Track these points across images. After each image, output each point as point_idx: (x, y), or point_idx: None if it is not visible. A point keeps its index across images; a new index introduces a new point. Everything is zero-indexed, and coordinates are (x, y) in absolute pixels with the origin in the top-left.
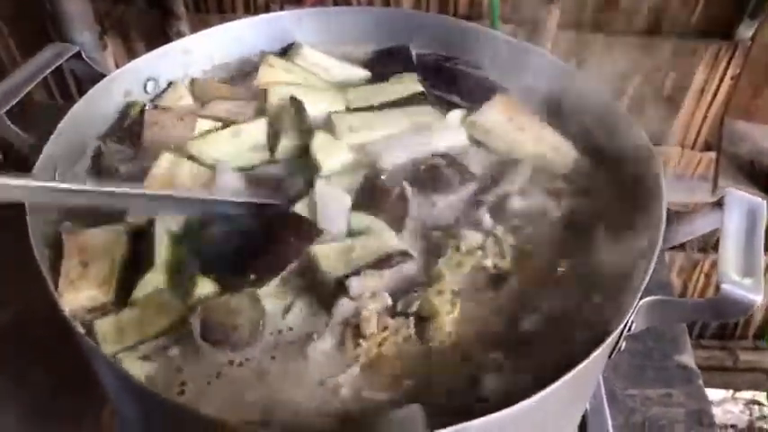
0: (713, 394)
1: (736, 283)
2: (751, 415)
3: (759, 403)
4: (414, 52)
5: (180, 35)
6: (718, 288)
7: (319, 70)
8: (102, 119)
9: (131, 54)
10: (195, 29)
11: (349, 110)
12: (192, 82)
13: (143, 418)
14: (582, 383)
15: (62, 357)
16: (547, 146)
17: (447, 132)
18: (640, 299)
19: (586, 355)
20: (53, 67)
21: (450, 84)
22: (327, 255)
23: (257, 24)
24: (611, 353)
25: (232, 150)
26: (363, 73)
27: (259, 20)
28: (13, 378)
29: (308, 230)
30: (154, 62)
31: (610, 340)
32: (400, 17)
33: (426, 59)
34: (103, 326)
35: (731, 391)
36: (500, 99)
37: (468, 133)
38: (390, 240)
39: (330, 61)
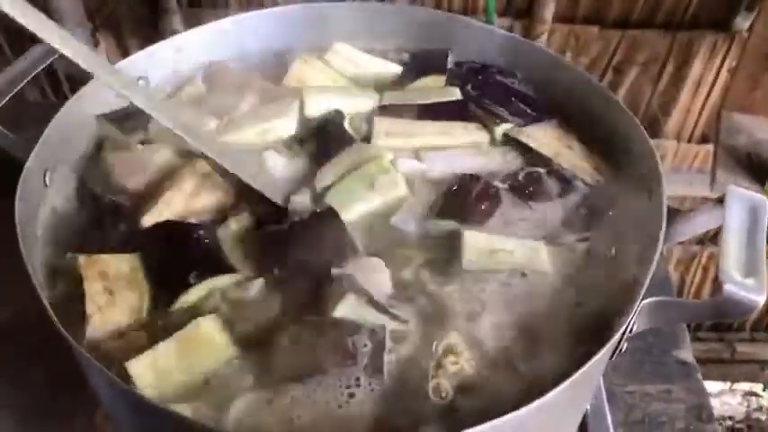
0: (711, 386)
1: (739, 284)
2: (748, 406)
3: (756, 394)
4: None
5: (173, 32)
6: (716, 281)
7: (351, 66)
8: (95, 118)
9: (124, 51)
10: (189, 24)
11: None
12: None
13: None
14: (583, 386)
15: (59, 358)
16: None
17: (496, 153)
18: (641, 300)
19: (588, 358)
20: (42, 67)
21: (496, 96)
22: None
23: (249, 20)
24: (613, 354)
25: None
26: (396, 68)
27: (251, 16)
28: (10, 379)
29: None
30: (144, 61)
31: (611, 343)
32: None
33: (469, 68)
34: (139, 367)
35: (729, 383)
36: (550, 124)
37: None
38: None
39: (363, 56)
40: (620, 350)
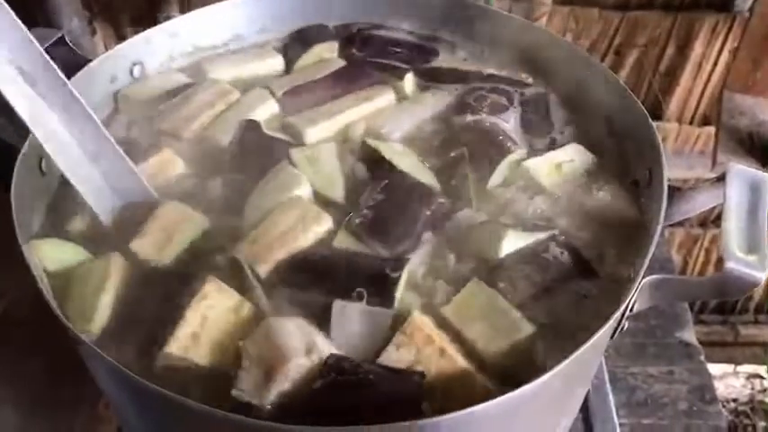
0: (715, 369)
1: (741, 260)
2: (752, 389)
3: (760, 377)
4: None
5: (169, 19)
6: (718, 264)
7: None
8: (88, 103)
9: (121, 40)
10: (185, 12)
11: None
12: None
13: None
14: (585, 365)
15: (59, 347)
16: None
17: (427, 97)
18: (642, 278)
19: (589, 336)
20: None
21: (384, 50)
22: None
23: (244, 5)
24: (614, 333)
25: None
26: (278, 60)
27: (246, 1)
28: (10, 372)
29: None
30: (139, 46)
31: (612, 321)
32: None
33: (350, 30)
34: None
35: (732, 366)
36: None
37: None
38: None
39: (243, 64)
40: (622, 329)
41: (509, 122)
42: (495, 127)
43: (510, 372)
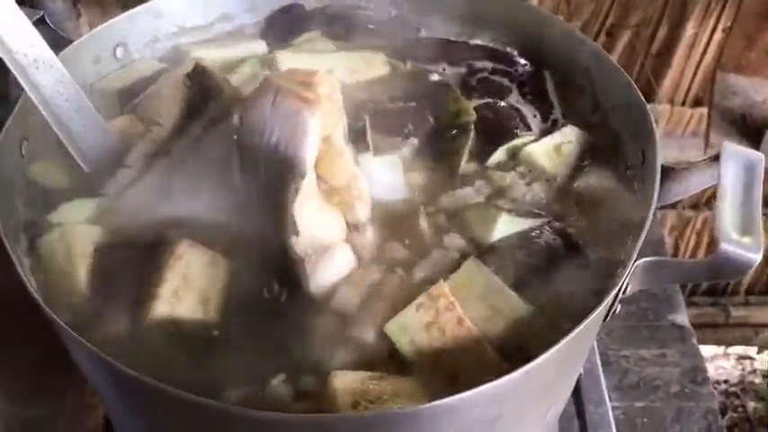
0: (705, 351)
1: (735, 242)
2: (743, 370)
3: (750, 358)
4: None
5: None
6: (710, 246)
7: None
8: None
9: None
10: None
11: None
12: None
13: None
14: (577, 349)
15: (45, 336)
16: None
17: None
18: (635, 260)
19: (581, 320)
20: None
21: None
22: None
23: None
24: (606, 316)
25: None
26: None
27: None
28: None
29: None
30: (122, 26)
31: (605, 304)
32: None
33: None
34: None
35: (723, 348)
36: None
37: None
38: None
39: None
40: (614, 311)
41: (516, 103)
42: (507, 110)
43: (505, 352)
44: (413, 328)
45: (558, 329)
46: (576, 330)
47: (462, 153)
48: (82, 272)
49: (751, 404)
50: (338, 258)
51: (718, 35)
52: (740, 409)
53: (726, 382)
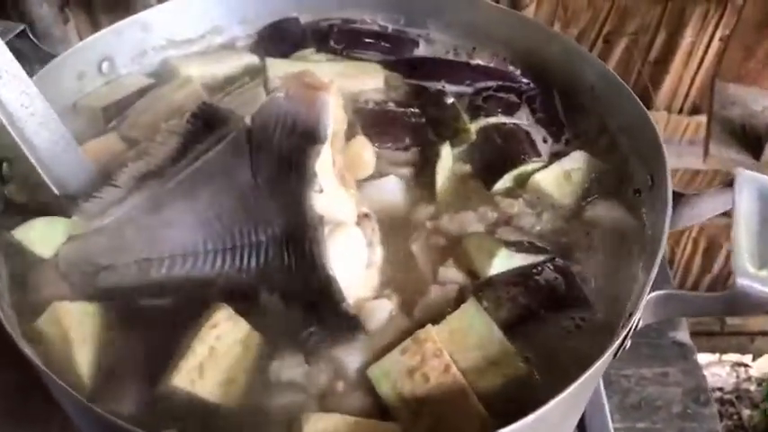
0: (700, 359)
1: (753, 277)
2: (737, 377)
3: (745, 365)
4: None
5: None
6: (705, 253)
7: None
8: (54, 104)
9: (96, 28)
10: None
11: None
12: None
13: None
14: (582, 393)
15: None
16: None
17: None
18: (647, 294)
19: (593, 361)
20: None
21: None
22: None
23: None
24: (616, 353)
25: None
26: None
27: None
28: None
29: None
30: (108, 40)
31: (615, 345)
32: None
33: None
34: None
35: (717, 355)
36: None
37: None
38: None
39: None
40: (624, 348)
41: (525, 123)
42: (515, 132)
43: (503, 402)
44: (396, 373)
45: (560, 379)
46: (580, 380)
47: (437, 170)
48: (82, 361)
49: (746, 411)
50: (353, 235)
51: (715, 44)
52: (735, 417)
53: (721, 389)
